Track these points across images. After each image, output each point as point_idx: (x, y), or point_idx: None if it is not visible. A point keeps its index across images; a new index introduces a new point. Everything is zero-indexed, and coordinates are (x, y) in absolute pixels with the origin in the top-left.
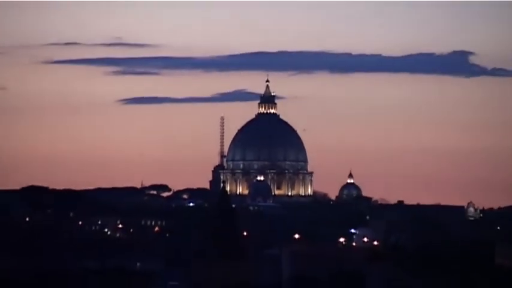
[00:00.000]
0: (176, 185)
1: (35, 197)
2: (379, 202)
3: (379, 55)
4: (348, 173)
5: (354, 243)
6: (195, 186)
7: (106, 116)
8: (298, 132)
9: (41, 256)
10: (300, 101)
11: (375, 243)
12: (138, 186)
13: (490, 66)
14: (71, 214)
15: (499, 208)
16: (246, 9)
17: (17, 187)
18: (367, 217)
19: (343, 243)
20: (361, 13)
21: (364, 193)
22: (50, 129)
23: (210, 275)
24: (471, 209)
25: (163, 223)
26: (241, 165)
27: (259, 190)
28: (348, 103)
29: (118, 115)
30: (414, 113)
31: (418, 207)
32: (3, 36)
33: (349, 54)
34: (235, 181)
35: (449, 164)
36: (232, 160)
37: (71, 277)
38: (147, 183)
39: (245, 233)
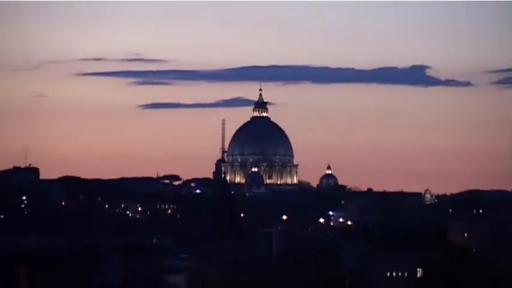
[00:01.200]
0: (185, 175)
1: (69, 185)
2: (352, 190)
3: (353, 68)
4: (326, 166)
5: (331, 223)
6: (201, 176)
7: (127, 118)
8: (286, 132)
9: (74, 234)
10: (287, 106)
11: (349, 223)
12: (154, 176)
13: (443, 77)
14: (99, 199)
15: (451, 194)
16: (243, 30)
17: (55, 177)
18: (342, 202)
19: (323, 223)
20: (337, 33)
21: (340, 182)
22: (81, 129)
23: (214, 250)
24: (428, 195)
25: (175, 207)
26: (239, 159)
27: (254, 180)
28: (326, 109)
29: (137, 118)
30: (381, 116)
31: (384, 193)
32: (42, 52)
33: (327, 68)
34: (234, 172)
35: (410, 158)
36: (232, 155)
37: (99, 251)
38: (161, 174)
39: (242, 215)
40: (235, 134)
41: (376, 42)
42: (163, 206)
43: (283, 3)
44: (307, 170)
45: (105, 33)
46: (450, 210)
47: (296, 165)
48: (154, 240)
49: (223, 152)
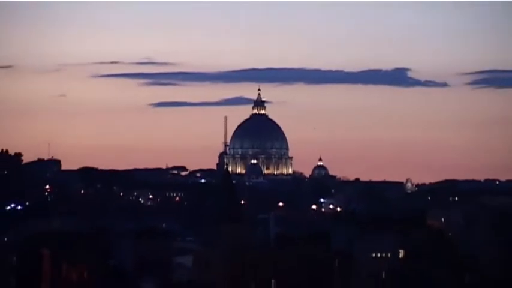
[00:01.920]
0: (192, 166)
1: (88, 175)
2: (341, 179)
3: (342, 71)
4: (318, 158)
5: (322, 210)
6: (205, 167)
7: (139, 116)
8: (282, 128)
9: (92, 219)
10: (283, 105)
11: (338, 209)
12: (164, 167)
13: (423, 79)
14: (114, 188)
15: (430, 183)
16: (244, 37)
17: (75, 168)
18: (332, 190)
19: (315, 209)
20: (328, 38)
21: (330, 172)
22: (98, 125)
23: (217, 234)
24: (409, 184)
25: (182, 195)
26: (240, 152)
27: (253, 170)
28: (318, 107)
29: (148, 115)
30: (367, 114)
31: (370, 182)
32: (63, 56)
33: (319, 70)
34: (235, 163)
35: (393, 151)
36: (233, 148)
37: (114, 234)
38: (170, 165)
39: (242, 202)
40: (236, 129)
41: (363, 46)
42: (172, 194)
43: (279, 12)
44: (301, 162)
45: (120, 39)
46: (429, 198)
47: (291, 158)
48: (164, 225)
49: (226, 145)
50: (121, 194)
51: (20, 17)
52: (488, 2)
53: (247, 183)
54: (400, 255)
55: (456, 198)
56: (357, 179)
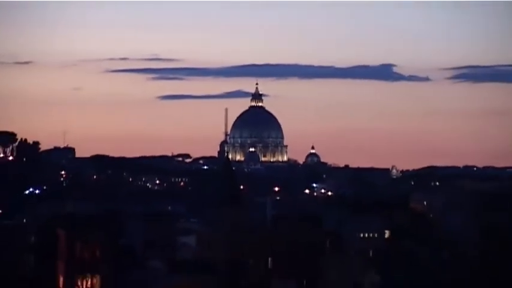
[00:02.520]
0: (195, 154)
1: (100, 162)
2: (332, 166)
3: (332, 66)
4: (311, 146)
5: (315, 194)
6: (208, 155)
7: (147, 107)
8: (278, 119)
9: (104, 202)
10: (278, 98)
11: (329, 193)
12: (170, 154)
13: (407, 74)
14: (124, 174)
15: (413, 170)
16: (243, 35)
17: (88, 155)
18: (324, 176)
19: (308, 193)
20: (319, 37)
21: (322, 160)
22: (109, 116)
23: (218, 215)
24: (394, 171)
25: (187, 180)
26: (239, 141)
27: (251, 158)
28: (311, 99)
29: (155, 107)
30: (356, 106)
31: (358, 169)
32: (78, 53)
33: (312, 66)
34: (235, 151)
35: (379, 140)
36: (233, 137)
37: (124, 216)
38: (175, 153)
39: (242, 187)
40: (235, 120)
41: (352, 44)
42: (177, 179)
43: (275, 13)
44: (295, 150)
45: (129, 38)
46: (412, 183)
47: (286, 146)
48: (169, 207)
49: (226, 135)
50: (130, 179)
51: (39, 17)
52: (467, 2)
53: (245, 170)
54: (386, 236)
55: (437, 183)
56: (347, 166)
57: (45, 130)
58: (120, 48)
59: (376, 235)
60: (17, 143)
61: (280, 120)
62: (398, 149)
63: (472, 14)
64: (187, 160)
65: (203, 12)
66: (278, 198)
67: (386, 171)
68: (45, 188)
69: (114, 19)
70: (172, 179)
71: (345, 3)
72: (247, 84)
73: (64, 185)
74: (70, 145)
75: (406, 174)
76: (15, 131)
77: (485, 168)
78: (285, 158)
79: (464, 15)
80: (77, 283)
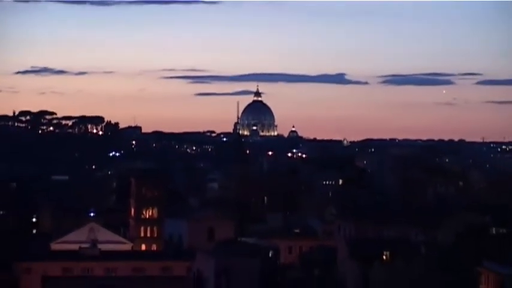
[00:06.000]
0: (218, 130)
1: (158, 136)
2: (305, 138)
3: (307, 75)
4: (292, 125)
5: (294, 156)
6: (226, 131)
7: (188, 101)
8: (272, 109)
9: (160, 161)
10: (271, 95)
11: (304, 156)
12: (201, 130)
13: (354, 80)
14: (172, 143)
15: (358, 141)
16: (248, 54)
17: (149, 131)
18: (300, 145)
19: (290, 156)
20: (298, 52)
21: (299, 134)
22: (163, 106)
23: (232, 170)
24: (345, 141)
25: (212, 147)
26: (246, 122)
27: (254, 133)
28: (293, 96)
29: (193, 101)
30: (321, 101)
31: (322, 140)
32: (142, 64)
33: (293, 74)
34: (243, 129)
35: (335, 121)
36: (242, 120)
37: (172, 170)
38: (205, 130)
39: (248, 151)
40: (244, 109)
41: (318, 58)
42: (206, 147)
43: (268, 32)
44: (282, 128)
45: (176, 56)
46: (357, 149)
47: (276, 125)
48: (201, 164)
49: (238, 118)
50: (177, 146)
51: (118, 37)
52: (394, 26)
53: (250, 141)
54: (340, 183)
55: (373, 150)
56: (315, 138)
57: (122, 115)
58: (169, 63)
59: (333, 182)
60: (104, 123)
61: (272, 109)
62: (348, 127)
63: (397, 30)
64: (213, 134)
65: (223, 37)
66: (271, 158)
67: (340, 142)
68: (122, 152)
69: (166, 42)
70: (203, 146)
71: (317, 26)
72: (251, 86)
73: (134, 150)
74: (138, 124)
75: (353, 144)
76: (104, 116)
77: (404, 140)
78: (275, 133)
79: (395, 31)
80: (142, 212)
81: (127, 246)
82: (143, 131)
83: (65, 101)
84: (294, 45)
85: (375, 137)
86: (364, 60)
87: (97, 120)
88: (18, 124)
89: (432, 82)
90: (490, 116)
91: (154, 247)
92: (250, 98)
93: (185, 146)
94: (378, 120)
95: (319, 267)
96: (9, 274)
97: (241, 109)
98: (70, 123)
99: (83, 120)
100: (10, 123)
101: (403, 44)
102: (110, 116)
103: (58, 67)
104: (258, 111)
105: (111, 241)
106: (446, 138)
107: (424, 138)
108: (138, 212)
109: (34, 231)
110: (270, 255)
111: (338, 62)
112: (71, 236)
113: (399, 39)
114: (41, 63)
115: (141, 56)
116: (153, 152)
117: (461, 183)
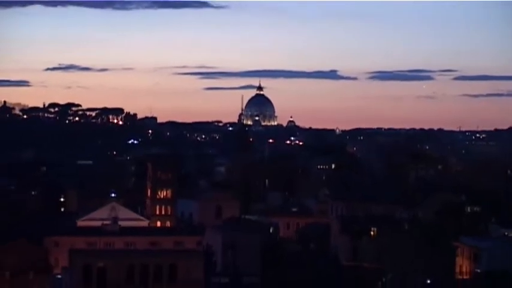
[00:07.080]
0: (225, 120)
1: (171, 125)
2: (302, 127)
3: (304, 71)
4: (290, 116)
5: (293, 143)
6: (232, 121)
7: (198, 95)
8: (272, 101)
9: (173, 148)
10: (272, 89)
11: (301, 143)
12: (210, 120)
13: (345, 75)
14: (184, 132)
15: (349, 129)
16: (252, 53)
17: (164, 121)
18: (297, 133)
19: (289, 143)
20: (296, 51)
21: (297, 123)
22: (176, 98)
23: (237, 155)
24: (337, 130)
25: (221, 135)
26: (249, 113)
27: (256, 123)
28: (291, 90)
29: (203, 95)
30: (316, 95)
31: (318, 129)
32: (158, 62)
33: (292, 71)
34: (247, 119)
35: (330, 112)
36: (246, 111)
37: (184, 156)
38: (213, 119)
39: (251, 139)
40: (247, 102)
41: (314, 56)
42: (214, 135)
43: (270, 35)
44: (281, 118)
45: (188, 54)
46: (347, 137)
47: (276, 116)
48: (210, 151)
49: (242, 110)
50: (188, 135)
51: (136, 38)
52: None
53: (253, 130)
54: (333, 167)
55: (362, 137)
56: (310, 127)
57: (140, 107)
58: (181, 60)
59: (327, 166)
60: (124, 114)
61: (273, 102)
62: (340, 117)
63: (384, 34)
64: (220, 124)
65: (229, 37)
66: (272, 145)
67: (333, 131)
68: (139, 139)
69: (179, 42)
70: (212, 135)
71: (313, 29)
72: (254, 81)
73: (150, 138)
74: (154, 115)
75: (344, 132)
76: (123, 107)
77: (389, 129)
78: (275, 123)
79: (381, 37)
80: (158, 193)
81: (144, 223)
82: (158, 121)
83: (89, 94)
84: (293, 45)
85: (364, 126)
86: (354, 58)
87: (117, 111)
88: (48, 115)
89: (414, 78)
90: (466, 108)
91: (168, 224)
92: (253, 92)
93: (195, 135)
94: (366, 111)
95: (314, 241)
96: (41, 247)
97: (245, 102)
98: (93, 114)
99: (105, 111)
100: (40, 114)
101: (388, 44)
102: (129, 108)
103: (83, 64)
104: (260, 103)
105: (130, 218)
106: (426, 127)
107: (407, 127)
108: (154, 192)
109: (62, 209)
110: (271, 231)
111: (331, 60)
112: (94, 214)
113: (385, 39)
114: (67, 61)
115: (156, 54)
116: (167, 140)
117: (440, 167)
